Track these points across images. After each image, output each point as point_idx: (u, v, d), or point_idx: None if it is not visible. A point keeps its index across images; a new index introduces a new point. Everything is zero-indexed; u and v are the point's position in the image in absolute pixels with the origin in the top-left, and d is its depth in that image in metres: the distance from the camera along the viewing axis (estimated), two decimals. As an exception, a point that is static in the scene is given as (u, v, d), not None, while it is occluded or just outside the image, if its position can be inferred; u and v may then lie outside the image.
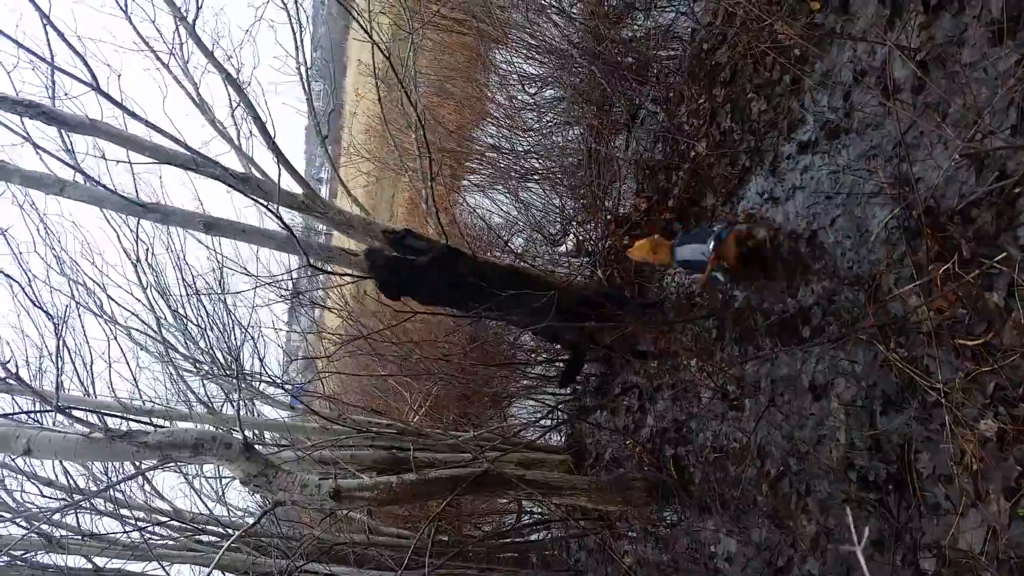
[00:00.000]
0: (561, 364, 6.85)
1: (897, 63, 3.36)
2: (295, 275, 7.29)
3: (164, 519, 5.33)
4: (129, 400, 5.75)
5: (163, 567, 4.48)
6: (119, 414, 5.10)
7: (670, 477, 4.76)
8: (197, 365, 6.46)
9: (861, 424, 3.34)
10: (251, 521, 5.36)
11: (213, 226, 4.91)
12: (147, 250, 6.18)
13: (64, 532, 4.93)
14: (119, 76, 4.73)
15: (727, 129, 4.86)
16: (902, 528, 3.02)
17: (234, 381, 6.02)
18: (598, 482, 4.91)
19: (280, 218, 4.00)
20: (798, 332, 3.86)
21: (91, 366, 5.77)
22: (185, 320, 6.62)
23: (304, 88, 5.41)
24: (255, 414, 6.50)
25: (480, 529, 6.83)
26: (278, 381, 6.76)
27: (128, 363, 5.90)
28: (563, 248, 7.17)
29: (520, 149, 7.74)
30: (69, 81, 4.20)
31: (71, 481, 5.22)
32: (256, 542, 5.17)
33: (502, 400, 7.50)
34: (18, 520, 4.48)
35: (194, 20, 4.76)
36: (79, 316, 5.75)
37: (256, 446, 3.76)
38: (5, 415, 3.53)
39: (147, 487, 5.48)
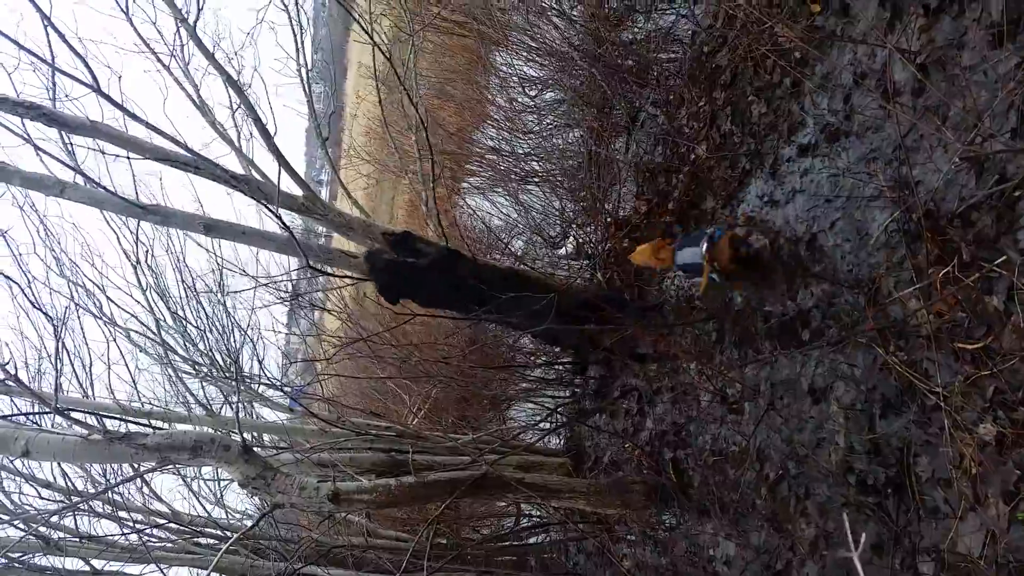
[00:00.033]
0: (560, 367, 6.85)
1: (897, 66, 3.36)
2: (295, 276, 7.29)
3: (162, 521, 5.31)
4: (128, 402, 5.74)
5: (161, 569, 4.47)
6: (118, 416, 5.08)
7: (669, 480, 4.75)
8: (196, 367, 6.46)
9: (860, 428, 3.33)
10: (249, 523, 5.35)
11: (213, 228, 4.91)
12: (147, 252, 6.19)
13: (62, 534, 4.92)
14: (120, 78, 4.75)
15: (727, 132, 4.86)
16: (901, 532, 3.01)
17: (233, 383, 6.01)
18: (597, 485, 4.89)
19: (280, 218, 4.00)
20: (798, 335, 3.86)
21: (90, 368, 5.77)
22: (184, 322, 6.61)
23: (305, 90, 5.42)
24: (254, 416, 6.48)
25: (479, 532, 6.82)
26: (277, 383, 6.75)
27: (127, 365, 5.90)
28: (563, 251, 7.18)
29: (520, 151, 7.75)
30: (70, 83, 4.22)
31: (69, 483, 5.21)
32: (254, 545, 5.15)
33: (501, 403, 7.50)
34: (16, 522, 4.47)
35: (195, 22, 4.77)
36: (78, 318, 5.76)
37: (255, 448, 3.75)
38: (4, 416, 3.52)
39: (145, 489, 5.47)
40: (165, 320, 6.45)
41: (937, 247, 3.02)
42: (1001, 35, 2.88)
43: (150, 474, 5.09)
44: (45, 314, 5.14)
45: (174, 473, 5.64)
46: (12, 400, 5.04)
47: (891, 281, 3.29)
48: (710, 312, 4.75)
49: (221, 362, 6.52)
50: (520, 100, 7.56)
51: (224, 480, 5.99)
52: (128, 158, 4.82)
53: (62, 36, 4.04)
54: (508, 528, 6.35)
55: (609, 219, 6.11)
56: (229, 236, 5.04)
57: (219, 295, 6.80)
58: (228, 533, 5.43)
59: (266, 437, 6.27)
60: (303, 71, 5.38)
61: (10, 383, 3.71)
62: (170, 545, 5.24)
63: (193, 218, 4.91)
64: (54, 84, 4.43)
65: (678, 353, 4.82)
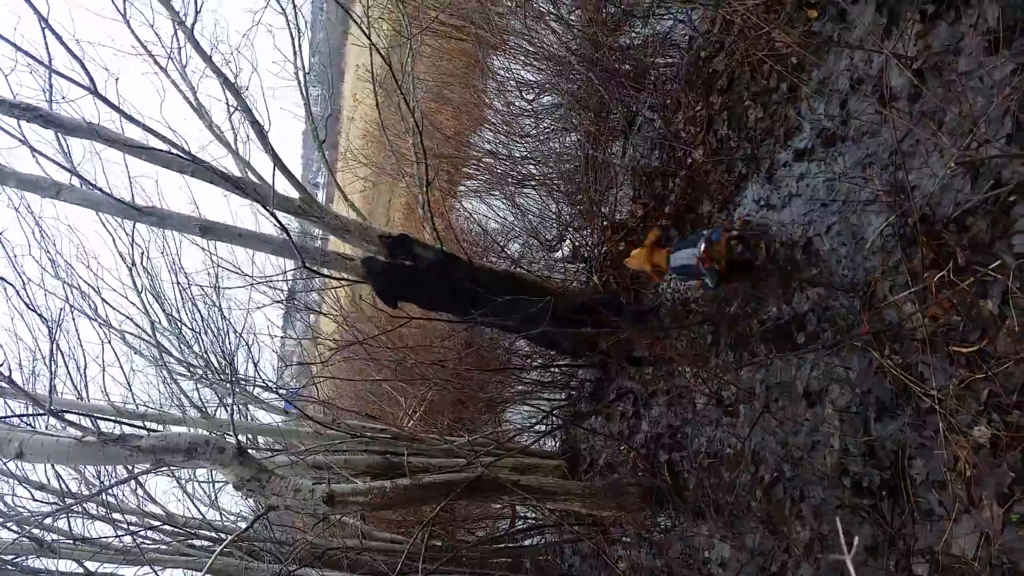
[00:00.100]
0: (556, 370, 6.85)
1: (894, 71, 3.38)
2: (290, 276, 7.27)
3: (156, 523, 5.29)
4: (122, 404, 5.72)
5: (155, 571, 4.47)
6: (112, 418, 5.06)
7: (664, 482, 4.76)
8: (191, 369, 6.44)
9: (855, 430, 3.34)
10: (244, 525, 5.34)
11: (209, 230, 4.90)
12: (143, 254, 6.18)
13: (56, 536, 4.90)
14: (117, 80, 4.74)
15: (724, 136, 4.88)
16: (896, 534, 3.02)
17: (228, 386, 6.00)
18: (592, 487, 4.90)
19: (276, 219, 4.00)
20: (793, 338, 3.87)
21: (85, 370, 5.74)
22: (179, 324, 6.60)
23: (302, 93, 5.42)
24: (249, 418, 6.47)
25: (474, 534, 6.81)
26: (272, 386, 6.74)
27: (122, 367, 5.87)
28: (559, 254, 7.18)
29: (517, 155, 7.76)
30: (67, 85, 4.21)
31: (63, 485, 5.19)
32: (249, 547, 5.15)
33: (497, 405, 7.49)
34: (9, 524, 4.45)
35: (192, 24, 4.77)
36: (73, 320, 5.74)
37: (250, 450, 3.75)
38: (-2, 418, 3.51)
39: (140, 491, 5.45)
40: (160, 322, 6.44)
41: (932, 251, 3.03)
42: (997, 41, 2.90)
43: (144, 476, 5.07)
44: (40, 316, 5.11)
45: (168, 475, 5.63)
46: (6, 402, 5.03)
47: (886, 285, 3.31)
48: (705, 315, 4.76)
49: (216, 364, 6.50)
50: (517, 104, 7.57)
51: (219, 482, 5.97)
52: (124, 160, 4.83)
53: (59, 38, 4.03)
54: (503, 530, 6.34)
55: (605, 222, 6.12)
56: (225, 238, 5.03)
57: (214, 297, 6.79)
58: (223, 535, 5.41)
59: (261, 439, 6.26)
60: (300, 74, 5.38)
61: (4, 384, 3.69)
62: (164, 547, 5.23)
63: (189, 220, 4.91)
64: (51, 86, 4.43)
65: (674, 356, 4.82)
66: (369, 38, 5.47)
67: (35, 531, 4.59)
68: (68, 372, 5.65)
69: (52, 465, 4.96)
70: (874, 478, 3.19)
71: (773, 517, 3.79)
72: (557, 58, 6.49)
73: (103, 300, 6.03)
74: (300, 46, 5.35)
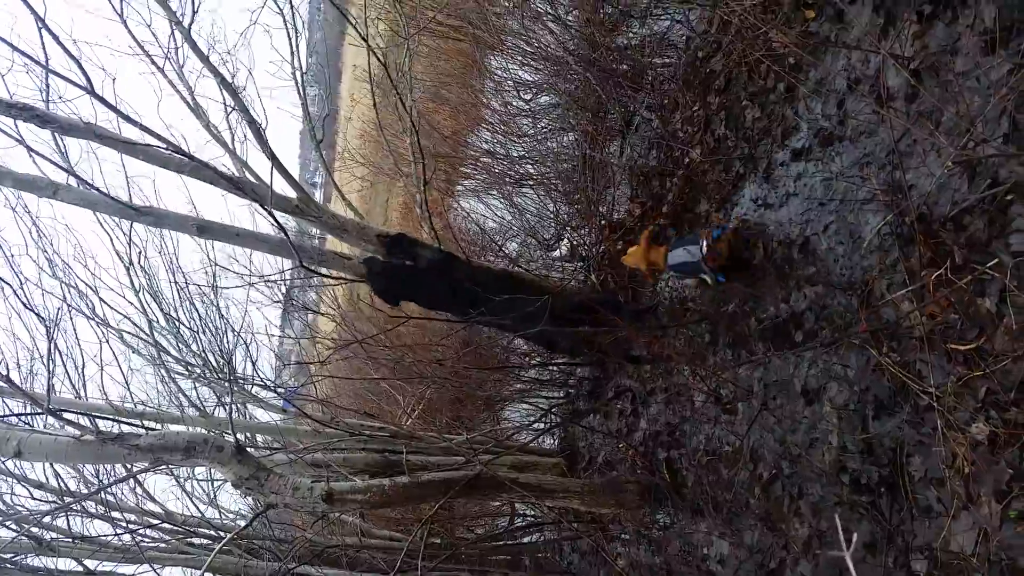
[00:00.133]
0: (554, 368, 6.86)
1: (891, 71, 3.39)
2: (288, 275, 7.28)
3: (155, 522, 5.29)
4: (121, 403, 5.72)
5: (155, 570, 4.47)
6: (110, 417, 5.06)
7: (663, 480, 4.77)
8: (189, 368, 6.44)
9: (853, 428, 3.35)
10: (243, 524, 5.34)
11: (206, 230, 4.90)
12: (140, 253, 6.18)
13: (55, 535, 4.90)
14: (114, 80, 4.74)
15: (721, 136, 4.89)
16: (894, 530, 3.04)
17: (226, 384, 6.00)
18: (591, 485, 4.91)
19: (274, 217, 4.00)
20: (791, 336, 3.88)
21: (82, 369, 5.75)
22: (177, 323, 6.60)
23: (299, 93, 5.42)
24: (247, 417, 6.47)
25: (473, 532, 6.82)
26: (270, 384, 6.74)
27: (120, 366, 5.87)
28: (557, 253, 7.19)
29: (515, 154, 7.77)
30: (64, 84, 4.21)
31: (62, 484, 5.19)
32: (248, 545, 5.14)
33: (495, 403, 7.50)
34: (8, 523, 4.45)
35: (190, 24, 4.76)
36: (71, 319, 5.73)
37: (248, 449, 3.75)
38: (-4, 417, 3.51)
39: (138, 490, 5.44)
40: (158, 321, 6.44)
41: (930, 250, 3.04)
42: (994, 41, 2.92)
43: (143, 474, 5.07)
44: (37, 315, 5.11)
45: (167, 474, 5.62)
46: (4, 401, 5.03)
47: (884, 284, 3.32)
48: (703, 314, 4.77)
49: (214, 363, 6.50)
50: (515, 104, 7.58)
51: (217, 480, 5.97)
52: (122, 160, 4.82)
53: (56, 38, 4.02)
54: (502, 528, 6.34)
55: (603, 222, 6.13)
56: (223, 238, 5.03)
57: (212, 296, 6.79)
58: (222, 533, 5.42)
59: (259, 438, 6.26)
60: (298, 74, 5.38)
61: (2, 384, 3.70)
62: (163, 545, 5.23)
63: (186, 220, 4.90)
64: (48, 86, 4.43)
65: (672, 354, 4.84)
66: (365, 39, 5.47)
67: (34, 529, 4.59)
68: (66, 371, 5.67)
69: (51, 464, 4.95)
70: (872, 475, 3.21)
71: (772, 514, 3.80)
72: (555, 58, 6.50)
73: (101, 299, 6.04)
74: (297, 46, 5.35)
